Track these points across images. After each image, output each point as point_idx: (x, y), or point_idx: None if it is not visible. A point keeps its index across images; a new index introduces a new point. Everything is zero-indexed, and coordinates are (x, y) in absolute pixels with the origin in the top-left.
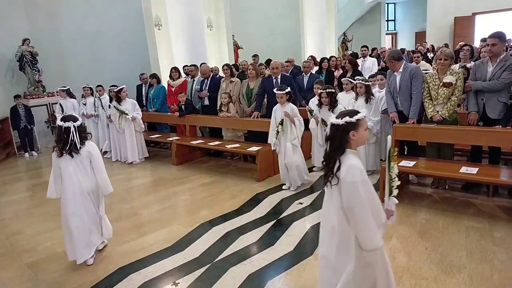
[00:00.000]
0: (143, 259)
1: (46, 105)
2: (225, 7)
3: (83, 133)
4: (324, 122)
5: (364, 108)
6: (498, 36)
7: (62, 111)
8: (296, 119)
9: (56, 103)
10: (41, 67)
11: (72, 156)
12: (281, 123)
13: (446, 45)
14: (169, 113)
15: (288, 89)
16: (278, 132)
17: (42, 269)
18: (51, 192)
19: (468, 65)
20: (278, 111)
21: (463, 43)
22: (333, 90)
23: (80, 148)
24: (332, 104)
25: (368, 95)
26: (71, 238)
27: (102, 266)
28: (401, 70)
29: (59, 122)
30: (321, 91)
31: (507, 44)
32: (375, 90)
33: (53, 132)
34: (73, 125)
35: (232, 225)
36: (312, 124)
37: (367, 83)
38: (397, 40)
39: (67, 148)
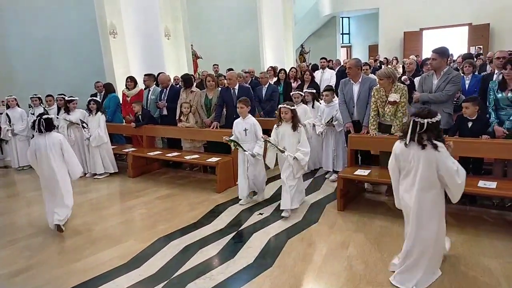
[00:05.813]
0: (96, 278)
1: None
2: (183, 16)
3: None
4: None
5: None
6: (438, 52)
7: (9, 121)
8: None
9: (1, 113)
10: None
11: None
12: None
13: (396, 59)
14: (124, 124)
15: None
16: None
17: None
18: None
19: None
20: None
21: (413, 56)
22: (294, 107)
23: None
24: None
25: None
26: None
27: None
28: (360, 80)
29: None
30: (281, 106)
31: (451, 59)
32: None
33: None
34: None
35: (191, 239)
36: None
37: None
38: (351, 52)
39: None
